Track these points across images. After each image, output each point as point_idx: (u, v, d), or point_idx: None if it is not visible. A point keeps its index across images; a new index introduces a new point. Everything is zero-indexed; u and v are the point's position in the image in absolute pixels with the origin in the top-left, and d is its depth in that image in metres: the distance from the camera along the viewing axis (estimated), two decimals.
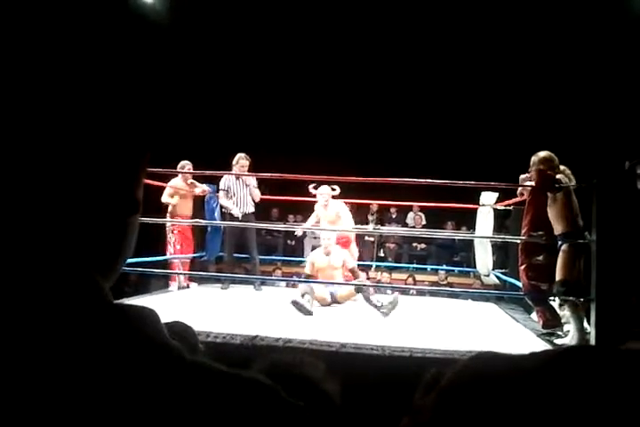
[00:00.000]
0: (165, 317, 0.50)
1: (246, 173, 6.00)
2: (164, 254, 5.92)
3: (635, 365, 0.49)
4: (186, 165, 5.96)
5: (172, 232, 5.94)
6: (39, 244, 0.46)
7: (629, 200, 3.50)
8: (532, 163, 4.16)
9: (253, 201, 6.20)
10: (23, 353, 0.41)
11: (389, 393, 2.53)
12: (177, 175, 6.05)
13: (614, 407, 0.45)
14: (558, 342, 3.95)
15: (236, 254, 6.32)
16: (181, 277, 6.11)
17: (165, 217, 5.90)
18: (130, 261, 4.70)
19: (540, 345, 3.82)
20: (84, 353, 0.42)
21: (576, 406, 0.46)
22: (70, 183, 0.46)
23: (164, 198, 5.96)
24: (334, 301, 5.19)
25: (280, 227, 8.88)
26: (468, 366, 0.54)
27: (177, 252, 5.95)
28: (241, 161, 5.99)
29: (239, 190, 6.11)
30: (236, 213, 5.99)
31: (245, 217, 6.08)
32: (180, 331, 1.74)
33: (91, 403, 0.41)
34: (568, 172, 4.13)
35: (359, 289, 4.91)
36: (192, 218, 6.07)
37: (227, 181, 6.12)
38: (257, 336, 3.38)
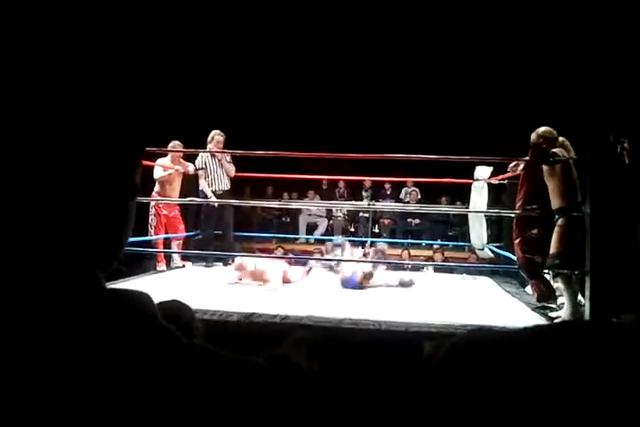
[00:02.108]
0: (161, 296, 0.51)
1: (224, 150, 5.98)
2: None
3: (625, 338, 0.50)
4: (176, 146, 5.90)
5: (154, 215, 5.90)
6: (39, 233, 0.46)
7: (619, 174, 3.50)
8: (531, 139, 4.16)
9: (229, 177, 6.19)
10: (26, 340, 0.42)
11: (386, 368, 2.56)
12: (165, 155, 5.98)
13: (604, 379, 0.46)
14: (552, 315, 3.99)
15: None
16: (175, 257, 6.11)
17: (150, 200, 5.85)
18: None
19: (535, 318, 3.85)
20: (80, 340, 0.43)
21: (565, 378, 0.47)
22: (72, 171, 0.46)
23: (158, 174, 5.90)
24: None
25: (275, 204, 8.89)
26: (464, 340, 0.55)
27: (156, 235, 5.89)
28: (216, 137, 5.93)
29: (215, 168, 6.09)
30: (209, 194, 5.98)
31: (222, 194, 6.08)
32: (177, 310, 1.75)
33: (88, 385, 0.41)
34: (567, 143, 4.11)
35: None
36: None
37: (202, 159, 6.08)
38: (254, 313, 3.40)
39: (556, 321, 3.74)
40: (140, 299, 0.48)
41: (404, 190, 10.11)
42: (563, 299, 4.05)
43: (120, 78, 0.51)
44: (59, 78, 0.46)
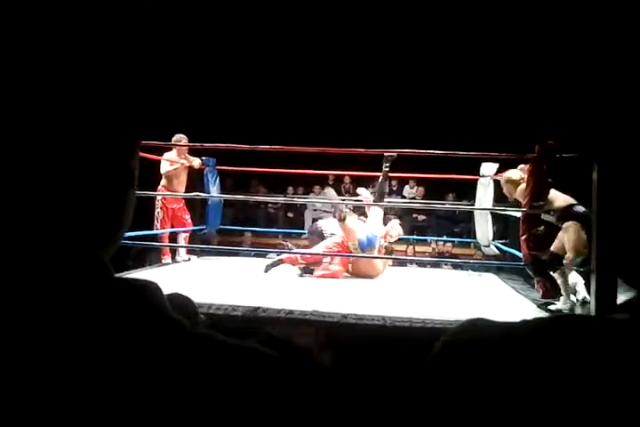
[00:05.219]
0: (167, 289, 0.51)
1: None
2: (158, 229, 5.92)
3: (619, 334, 0.50)
4: (182, 139, 5.89)
5: (161, 209, 5.91)
6: (42, 225, 0.46)
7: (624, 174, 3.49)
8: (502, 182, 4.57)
9: None
10: (33, 329, 0.42)
11: (390, 362, 2.56)
12: (171, 148, 5.99)
13: (598, 373, 0.47)
14: (552, 307, 4.00)
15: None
16: (181, 250, 6.13)
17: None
18: (129, 234, 4.72)
19: (540, 315, 3.84)
20: (91, 328, 0.43)
21: (562, 371, 0.47)
22: (68, 160, 0.46)
23: (165, 168, 5.91)
24: None
25: (281, 200, 8.88)
26: (460, 334, 0.55)
27: (162, 228, 5.91)
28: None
29: None
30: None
31: None
32: (180, 303, 1.75)
33: (99, 374, 0.42)
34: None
35: None
36: (187, 193, 6.04)
37: None
38: (259, 308, 3.40)
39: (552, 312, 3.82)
40: (149, 288, 0.48)
41: (406, 188, 10.13)
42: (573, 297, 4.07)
43: (115, 67, 0.51)
44: (51, 66, 0.46)
